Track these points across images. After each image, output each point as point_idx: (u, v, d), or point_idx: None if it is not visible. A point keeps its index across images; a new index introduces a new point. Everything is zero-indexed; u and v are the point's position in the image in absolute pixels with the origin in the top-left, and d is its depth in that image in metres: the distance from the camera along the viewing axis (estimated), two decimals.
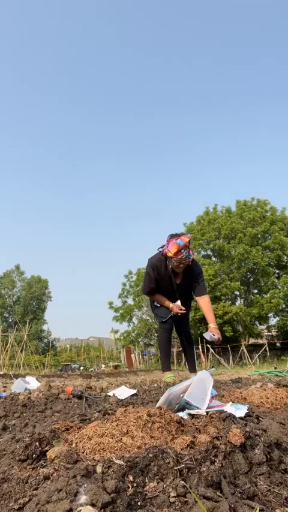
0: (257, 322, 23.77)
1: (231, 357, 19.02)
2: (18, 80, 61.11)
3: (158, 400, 1.82)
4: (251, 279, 23.92)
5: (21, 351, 13.41)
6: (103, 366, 17.42)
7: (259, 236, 23.44)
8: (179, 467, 0.94)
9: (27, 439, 1.15)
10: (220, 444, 1.05)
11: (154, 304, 4.34)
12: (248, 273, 23.58)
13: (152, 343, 24.59)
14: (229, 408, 1.44)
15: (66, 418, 1.69)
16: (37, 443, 1.12)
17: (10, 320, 33.62)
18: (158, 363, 18.14)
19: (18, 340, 14.48)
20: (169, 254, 3.78)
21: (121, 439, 1.11)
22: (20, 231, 61.88)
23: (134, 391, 2.54)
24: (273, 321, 24.11)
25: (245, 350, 18.87)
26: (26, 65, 64.36)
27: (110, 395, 2.40)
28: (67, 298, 74.19)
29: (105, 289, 75.65)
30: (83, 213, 64.63)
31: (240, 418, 1.33)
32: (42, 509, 0.79)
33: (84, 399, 2.20)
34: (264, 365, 14.56)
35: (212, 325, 3.82)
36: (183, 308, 4.08)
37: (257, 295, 22.80)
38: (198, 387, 1.60)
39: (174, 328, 4.39)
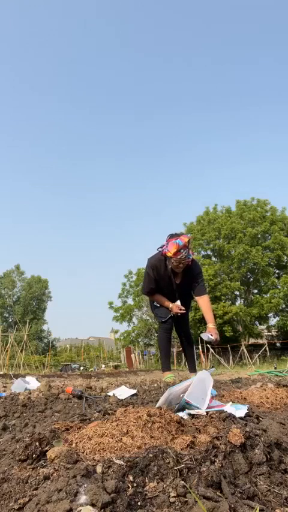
0: (257, 322, 23.76)
1: (231, 357, 19.01)
2: (18, 80, 61.16)
3: (158, 400, 1.82)
4: (251, 279, 23.92)
5: (21, 351, 13.41)
6: (103, 366, 17.41)
7: (259, 236, 23.43)
8: (179, 467, 0.94)
9: (27, 439, 1.15)
10: (220, 444, 1.05)
11: (154, 304, 4.34)
12: (248, 273, 23.58)
13: (152, 343, 24.59)
14: (229, 408, 1.44)
15: (66, 418, 1.69)
16: (37, 443, 1.12)
17: (10, 320, 33.62)
18: (158, 363, 18.13)
19: (18, 340, 14.48)
20: (168, 254, 3.78)
21: (121, 439, 1.11)
22: (20, 231, 61.96)
23: (134, 391, 2.54)
24: (273, 321, 24.13)
25: (245, 350, 18.87)
26: (26, 65, 64.40)
27: (110, 395, 2.40)
28: (67, 298, 74.26)
29: (105, 289, 75.73)
30: (83, 213, 64.70)
31: (240, 418, 1.33)
32: (42, 509, 0.79)
33: (84, 399, 2.20)
34: (264, 365, 14.56)
35: (211, 325, 3.82)
36: (183, 308, 4.08)
37: (257, 295, 22.80)
38: (198, 387, 1.60)
39: (174, 328, 4.39)
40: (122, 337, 25.62)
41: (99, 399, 2.29)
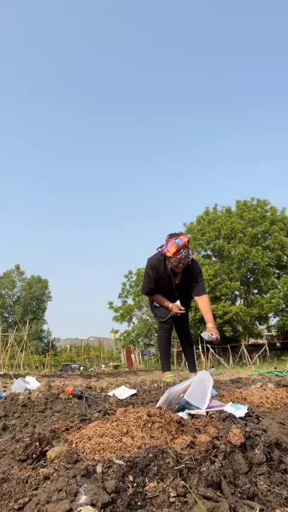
0: (257, 322, 23.77)
1: (231, 357, 19.02)
2: (18, 80, 61.16)
3: (158, 400, 1.82)
4: (251, 279, 23.93)
5: (21, 351, 13.41)
6: (103, 366, 17.42)
7: (259, 236, 23.44)
8: (179, 467, 0.94)
9: (27, 439, 1.15)
10: (220, 444, 1.05)
11: (154, 304, 4.34)
12: (248, 273, 23.58)
13: (152, 343, 24.59)
14: (229, 408, 1.44)
15: (66, 418, 1.69)
16: (37, 443, 1.12)
17: (10, 320, 33.62)
18: (158, 363, 18.13)
19: (18, 340, 14.48)
20: (168, 254, 3.78)
21: (121, 439, 1.11)
22: (20, 231, 61.93)
23: (134, 391, 2.54)
24: (273, 321, 24.14)
25: (245, 350, 18.87)
26: (26, 65, 64.40)
27: (110, 395, 2.40)
28: (67, 298, 74.26)
29: (105, 289, 75.74)
30: (83, 213, 64.70)
31: (240, 418, 1.33)
32: (42, 509, 0.79)
33: (84, 399, 2.20)
34: (264, 365, 14.56)
35: (210, 324, 3.81)
36: (183, 308, 4.08)
37: (257, 295, 22.81)
38: (198, 387, 1.60)
39: (174, 328, 4.39)
40: (122, 337, 25.62)
41: (99, 399, 2.29)
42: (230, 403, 1.59)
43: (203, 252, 25.20)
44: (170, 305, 4.09)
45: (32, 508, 0.81)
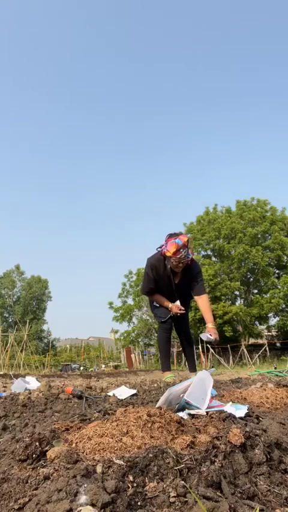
0: (257, 322, 23.76)
1: (231, 357, 19.01)
2: (18, 81, 61.13)
3: (158, 400, 1.82)
4: (251, 279, 23.92)
5: (21, 351, 13.41)
6: (103, 366, 17.41)
7: (259, 236, 23.43)
8: (179, 467, 0.94)
9: (27, 439, 1.15)
10: (220, 444, 1.05)
11: (153, 304, 4.34)
12: (248, 273, 23.58)
13: (152, 343, 24.59)
14: (229, 408, 1.44)
15: (66, 418, 1.69)
16: (37, 443, 1.12)
17: (10, 320, 33.61)
18: (158, 363, 18.13)
19: (18, 340, 14.48)
20: (168, 254, 3.78)
21: (121, 439, 1.11)
22: (20, 231, 61.92)
23: (134, 391, 2.54)
24: (273, 321, 24.13)
25: (245, 350, 18.86)
26: (26, 65, 64.38)
27: (110, 395, 2.40)
28: (67, 298, 74.27)
29: (105, 289, 75.75)
30: (83, 213, 64.70)
31: (240, 418, 1.33)
32: (42, 509, 0.79)
33: (84, 399, 2.20)
34: (264, 365, 14.56)
35: (210, 325, 3.80)
36: (183, 308, 4.07)
37: (257, 295, 22.80)
38: (198, 387, 1.60)
39: (174, 328, 4.39)
40: (122, 337, 25.61)
41: (99, 399, 2.29)
42: (230, 403, 1.59)
43: (203, 252, 25.20)
44: (170, 305, 4.09)
45: (32, 508, 0.81)
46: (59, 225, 63.40)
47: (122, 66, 64.42)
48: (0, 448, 1.25)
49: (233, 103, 55.52)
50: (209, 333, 3.71)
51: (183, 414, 1.46)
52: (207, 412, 1.43)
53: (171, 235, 3.89)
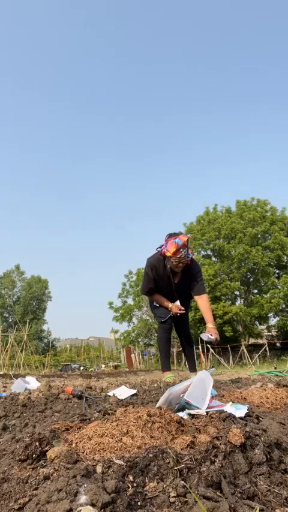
0: (257, 322, 23.76)
1: (231, 357, 19.01)
2: (18, 81, 61.13)
3: (158, 400, 1.82)
4: (251, 279, 23.92)
5: (21, 351, 13.41)
6: (103, 366, 17.42)
7: (259, 236, 23.43)
8: (179, 467, 0.94)
9: (27, 439, 1.15)
10: (220, 444, 1.05)
11: (153, 304, 4.34)
12: (248, 273, 23.58)
13: (152, 343, 24.59)
14: (229, 408, 1.44)
15: (66, 418, 1.69)
16: (37, 443, 1.12)
17: (10, 320, 33.61)
18: (158, 363, 18.13)
19: (18, 340, 14.48)
20: (168, 254, 3.77)
21: (121, 439, 1.11)
22: (20, 231, 61.92)
23: (134, 391, 2.54)
24: (273, 321, 24.13)
25: (245, 350, 18.87)
26: (26, 66, 64.36)
27: (110, 395, 2.40)
28: (67, 298, 74.28)
29: (105, 289, 75.77)
30: (83, 213, 64.69)
31: (240, 418, 1.33)
32: (42, 509, 0.79)
33: (84, 399, 2.20)
34: (264, 365, 14.56)
35: (210, 325, 3.80)
36: (183, 308, 4.07)
37: (257, 295, 22.80)
38: (198, 387, 1.60)
39: (174, 328, 4.39)
40: (122, 337, 25.62)
41: (99, 399, 2.29)
42: (230, 403, 1.59)
43: (203, 252, 25.20)
44: (170, 305, 4.09)
45: (32, 508, 0.81)
46: (59, 225, 63.46)
47: (122, 66, 64.44)
48: (0, 448, 1.25)
49: (233, 103, 55.58)
50: (210, 333, 3.70)
51: (183, 414, 1.46)
52: (207, 412, 1.43)
53: (171, 235, 3.88)
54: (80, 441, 1.12)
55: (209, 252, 25.36)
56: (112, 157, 62.00)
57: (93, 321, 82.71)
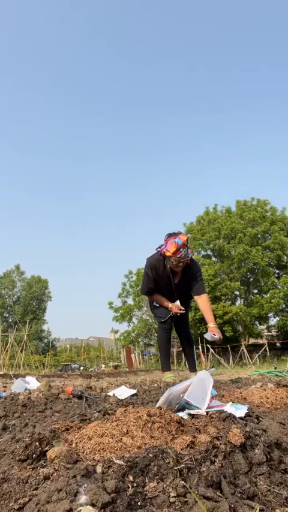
0: (257, 322, 23.76)
1: (231, 357, 19.02)
2: (18, 81, 61.11)
3: (158, 400, 1.82)
4: (251, 279, 23.92)
5: (21, 351, 13.40)
6: (103, 366, 17.41)
7: (259, 236, 23.44)
8: (179, 467, 0.94)
9: (27, 439, 1.15)
10: (220, 444, 1.05)
11: (153, 304, 4.34)
12: (248, 273, 23.58)
13: (152, 343, 24.59)
14: (229, 408, 1.44)
15: (66, 418, 1.69)
16: (37, 443, 1.12)
17: (10, 320, 33.61)
18: (158, 363, 18.14)
19: (18, 340, 14.48)
20: (168, 253, 3.77)
21: (121, 439, 1.11)
22: (20, 231, 61.91)
23: (134, 391, 2.54)
24: (273, 321, 24.13)
25: (245, 350, 18.87)
26: (26, 66, 64.37)
27: (110, 395, 2.40)
28: (67, 298, 74.28)
29: (105, 289, 75.76)
30: (83, 213, 64.69)
31: (240, 418, 1.33)
32: (42, 509, 0.79)
33: (84, 399, 2.20)
34: (264, 365, 14.56)
35: (212, 324, 3.79)
36: (183, 308, 4.07)
37: (257, 295, 22.80)
38: (198, 387, 1.60)
39: (174, 328, 4.39)
40: (122, 337, 25.62)
41: (99, 399, 2.29)
42: (230, 403, 1.59)
43: (203, 252, 25.20)
44: (170, 305, 4.08)
45: (32, 508, 0.81)
46: (59, 225, 63.45)
47: (122, 66, 64.43)
48: (0, 448, 1.25)
49: (233, 103, 55.59)
50: (213, 333, 3.70)
51: (183, 414, 1.46)
52: (207, 412, 1.43)
53: (171, 235, 3.88)
54: (80, 441, 1.12)
55: (209, 252, 25.37)
56: (112, 157, 62.04)
57: (93, 321, 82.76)
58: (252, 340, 23.71)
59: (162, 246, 3.91)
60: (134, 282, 25.22)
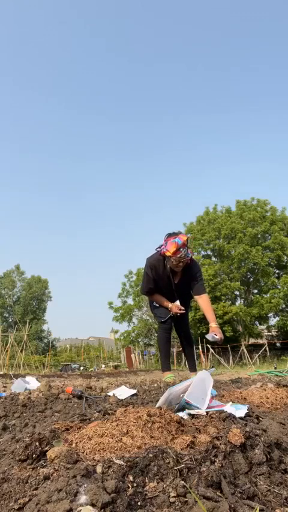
0: (257, 322, 23.77)
1: (231, 357, 19.02)
2: (18, 81, 61.11)
3: (158, 400, 1.82)
4: (251, 279, 23.93)
5: (21, 351, 13.40)
6: (103, 366, 17.42)
7: (259, 236, 23.44)
8: (179, 467, 0.94)
9: (27, 439, 1.15)
10: (220, 444, 1.05)
11: (153, 305, 4.34)
12: (248, 273, 23.58)
13: (152, 343, 24.59)
14: (229, 408, 1.44)
15: (66, 418, 1.69)
16: (37, 443, 1.12)
17: (10, 320, 33.62)
18: (158, 363, 18.14)
19: (18, 340, 14.48)
20: (168, 253, 3.77)
21: (121, 439, 1.11)
22: (20, 231, 61.92)
23: (134, 391, 2.54)
24: (273, 321, 24.14)
25: (245, 350, 18.87)
26: (25, 66, 64.37)
27: (110, 395, 2.40)
28: (67, 298, 74.28)
29: (105, 289, 75.76)
30: (83, 213, 64.69)
31: (240, 418, 1.33)
32: (42, 509, 0.79)
33: (84, 399, 2.20)
34: (264, 365, 14.56)
35: (213, 324, 3.79)
36: (183, 308, 4.07)
37: (257, 295, 22.81)
38: (198, 387, 1.60)
39: (174, 328, 4.39)
40: (122, 337, 25.62)
41: (99, 399, 2.29)
42: (230, 403, 1.59)
43: (203, 252, 25.21)
44: (170, 305, 4.08)
45: (32, 508, 0.81)
46: (59, 225, 63.44)
47: (122, 66, 64.42)
48: (0, 448, 1.25)
49: (233, 103, 55.58)
50: (214, 333, 3.69)
51: (183, 414, 1.46)
52: (207, 412, 1.43)
53: (170, 235, 3.88)
54: (80, 441, 1.13)
55: (209, 252, 25.37)
56: (112, 157, 62.02)
57: (93, 321, 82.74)
58: (252, 340, 23.71)
59: (162, 246, 3.90)
60: (134, 282, 25.22)
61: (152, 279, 4.04)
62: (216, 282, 22.05)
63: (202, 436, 1.13)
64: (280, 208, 24.54)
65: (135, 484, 0.88)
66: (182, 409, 1.53)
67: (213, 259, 25.08)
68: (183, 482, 0.88)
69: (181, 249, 3.74)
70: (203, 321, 18.33)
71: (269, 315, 23.19)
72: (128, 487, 0.86)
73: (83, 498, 0.79)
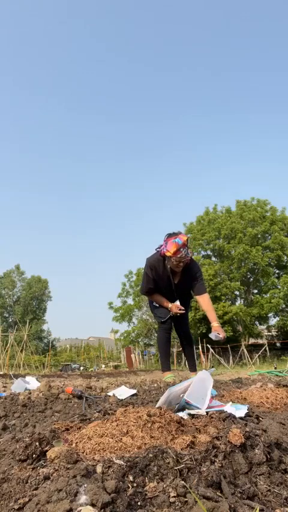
0: (257, 322, 23.78)
1: (231, 357, 19.02)
2: (18, 81, 61.10)
3: (158, 400, 1.82)
4: (251, 279, 23.93)
5: (21, 351, 13.41)
6: (103, 366, 17.42)
7: (259, 236, 23.45)
8: (179, 467, 0.94)
9: (27, 439, 1.15)
10: (220, 444, 1.05)
11: (153, 305, 4.34)
12: (248, 273, 23.59)
13: (152, 343, 24.59)
14: (229, 408, 1.44)
15: (66, 418, 1.69)
16: (37, 443, 1.12)
17: (10, 320, 33.62)
18: (158, 363, 18.13)
19: (18, 340, 14.48)
20: (168, 254, 3.77)
21: (121, 439, 1.11)
22: (20, 231, 61.93)
23: (134, 391, 2.54)
24: (273, 321, 24.15)
25: (245, 350, 18.87)
26: (25, 66, 64.37)
27: (110, 395, 2.40)
28: (67, 298, 74.29)
29: (105, 289, 75.77)
30: (83, 213, 64.69)
31: (240, 418, 1.33)
32: (42, 509, 0.79)
33: (84, 399, 2.20)
34: (264, 365, 14.56)
35: (215, 323, 3.79)
36: (182, 308, 4.07)
37: (257, 295, 22.81)
38: (198, 387, 1.60)
39: (174, 328, 4.39)
40: (122, 337, 25.62)
41: (99, 399, 2.29)
42: (230, 403, 1.59)
43: (203, 252, 25.22)
44: (170, 305, 4.08)
45: (32, 508, 0.81)
46: (59, 225, 63.43)
47: (122, 66, 64.39)
48: (0, 448, 1.25)
49: (233, 103, 55.52)
50: (217, 332, 3.70)
51: (183, 414, 1.46)
52: (207, 412, 1.43)
53: (170, 235, 3.88)
54: (80, 441, 1.13)
55: (209, 252, 25.38)
56: (112, 158, 62.00)
57: (93, 321, 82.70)
58: (252, 340, 23.72)
59: (162, 246, 3.90)
60: (134, 282, 25.22)
61: (152, 279, 4.04)
62: (216, 282, 22.05)
63: (202, 436, 1.13)
64: (280, 208, 24.60)
65: (135, 484, 0.88)
66: (182, 409, 1.53)
67: (213, 259, 25.09)
68: (183, 482, 0.88)
69: (181, 249, 3.74)
70: (203, 321, 18.34)
71: (269, 315, 23.20)
72: (128, 487, 0.86)
73: (83, 498, 0.79)
